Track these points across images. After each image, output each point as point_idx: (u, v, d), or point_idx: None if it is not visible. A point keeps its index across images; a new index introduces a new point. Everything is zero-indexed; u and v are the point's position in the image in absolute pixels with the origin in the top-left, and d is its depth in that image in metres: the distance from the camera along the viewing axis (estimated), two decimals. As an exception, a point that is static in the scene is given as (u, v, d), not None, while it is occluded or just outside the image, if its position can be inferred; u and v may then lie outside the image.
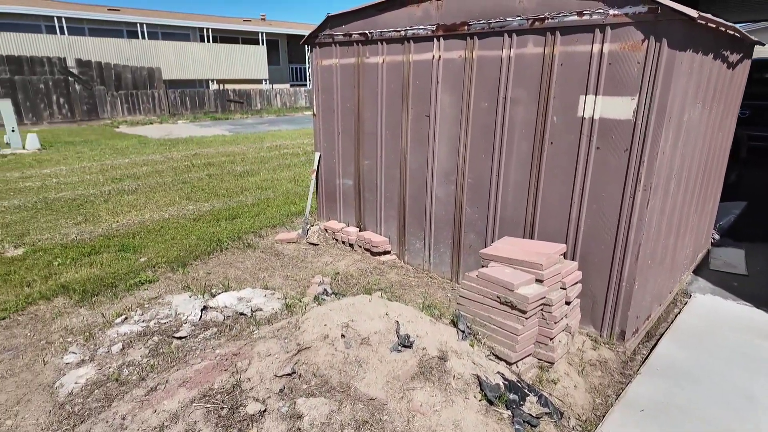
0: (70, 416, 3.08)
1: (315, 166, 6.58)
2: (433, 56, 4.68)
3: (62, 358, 3.74)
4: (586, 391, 3.44)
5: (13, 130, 13.52)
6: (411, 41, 4.85)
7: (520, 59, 4.06)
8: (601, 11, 3.49)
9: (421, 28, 4.69)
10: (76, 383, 3.41)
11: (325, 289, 4.74)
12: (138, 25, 25.13)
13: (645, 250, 3.78)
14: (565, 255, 3.94)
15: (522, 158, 4.24)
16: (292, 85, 33.02)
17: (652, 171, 3.52)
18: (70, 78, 20.85)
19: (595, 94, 3.66)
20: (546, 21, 3.79)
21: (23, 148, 13.56)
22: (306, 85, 33.80)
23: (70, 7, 24.04)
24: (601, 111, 3.66)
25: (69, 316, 4.40)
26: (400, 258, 5.77)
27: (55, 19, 22.46)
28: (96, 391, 3.31)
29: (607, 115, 3.63)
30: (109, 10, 25.55)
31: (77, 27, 23.53)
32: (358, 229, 6.22)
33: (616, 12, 3.42)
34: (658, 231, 3.97)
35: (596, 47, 3.58)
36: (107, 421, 2.89)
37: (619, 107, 3.55)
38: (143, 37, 25.15)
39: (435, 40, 4.62)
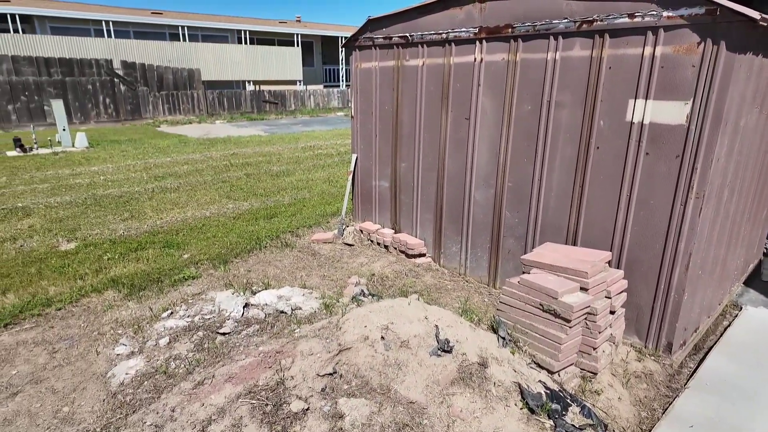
0: (123, 405, 3.23)
1: (352, 168, 6.64)
2: (475, 59, 4.65)
3: (113, 349, 3.92)
4: (631, 403, 3.34)
5: (64, 129, 14.23)
6: (452, 44, 4.83)
7: (566, 62, 3.98)
8: (654, 13, 3.39)
9: (463, 31, 4.67)
10: (126, 374, 3.56)
11: (362, 290, 4.78)
12: (179, 27, 25.99)
13: (695, 260, 3.65)
14: (609, 263, 3.84)
15: (566, 163, 4.16)
16: (325, 86, 33.43)
17: (706, 178, 3.38)
18: (115, 79, 21.77)
19: (646, 98, 3.55)
20: (594, 23, 3.71)
21: (73, 146, 14.25)
22: (339, 86, 34.13)
23: (117, 11, 25.11)
24: (651, 116, 3.55)
25: (119, 308, 4.60)
26: (435, 261, 5.76)
27: (103, 23, 23.50)
28: (146, 382, 3.45)
29: (658, 120, 3.52)
30: (152, 13, 26.54)
31: (123, 30, 24.55)
32: (394, 230, 6.24)
33: (670, 14, 3.31)
34: (709, 240, 3.82)
35: (648, 50, 3.47)
36: (157, 413, 3.01)
37: (671, 112, 3.44)
38: (184, 40, 26.00)
39: (477, 42, 4.59)
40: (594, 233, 4.08)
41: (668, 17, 3.33)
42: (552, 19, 3.98)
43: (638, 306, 3.89)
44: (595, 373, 3.39)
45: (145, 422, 2.95)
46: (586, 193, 4.06)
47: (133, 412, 3.12)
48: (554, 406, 2.98)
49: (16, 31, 21.07)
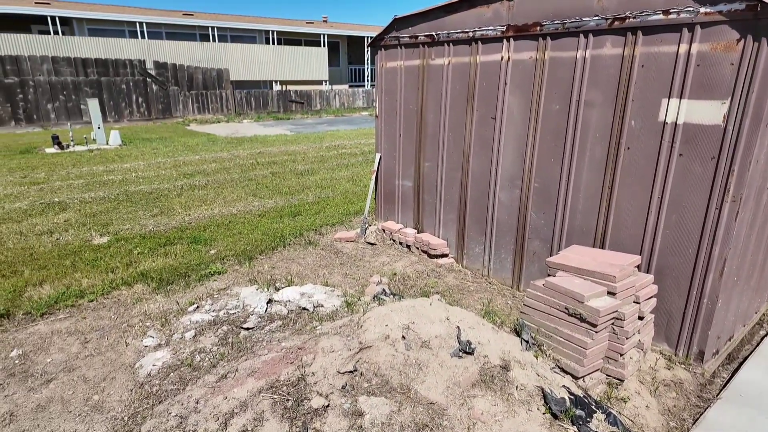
0: (149, 396, 3.31)
1: (375, 167, 6.65)
2: (502, 57, 4.59)
3: (141, 341, 4.03)
4: (659, 412, 3.24)
5: (99, 128, 14.73)
6: (479, 42, 4.78)
7: (597, 60, 3.88)
8: (691, 9, 3.27)
9: (491, 29, 4.61)
10: (153, 365, 3.65)
11: (383, 289, 4.78)
12: (209, 28, 26.58)
13: (730, 266, 3.50)
14: (639, 267, 3.73)
15: (595, 163, 4.06)
16: (350, 86, 33.61)
17: (743, 181, 3.25)
18: (148, 79, 22.42)
19: (680, 98, 3.43)
20: (627, 20, 3.60)
21: (107, 143, 14.74)
22: (364, 85, 34.26)
23: (150, 13, 25.83)
24: (686, 115, 3.43)
25: (147, 302, 4.73)
26: (458, 262, 5.71)
27: (137, 24, 24.24)
28: (171, 374, 3.54)
29: (693, 120, 3.40)
30: (184, 14, 27.21)
31: (156, 31, 25.27)
32: (416, 230, 6.22)
33: (708, 10, 3.19)
34: (745, 246, 3.67)
35: (683, 48, 3.35)
36: (182, 404, 3.08)
37: (707, 112, 3.31)
38: (214, 40, 26.57)
39: (504, 41, 4.53)
40: (623, 236, 3.97)
41: (705, 13, 3.21)
42: (582, 17, 3.89)
43: (668, 312, 3.76)
44: (622, 380, 3.30)
45: (170, 413, 3.02)
46: (615, 195, 3.95)
47: (159, 402, 3.21)
48: (578, 412, 2.91)
49: (56, 32, 21.95)
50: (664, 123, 3.56)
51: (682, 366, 3.69)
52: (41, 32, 22.29)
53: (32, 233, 6.69)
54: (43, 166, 11.33)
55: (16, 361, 3.75)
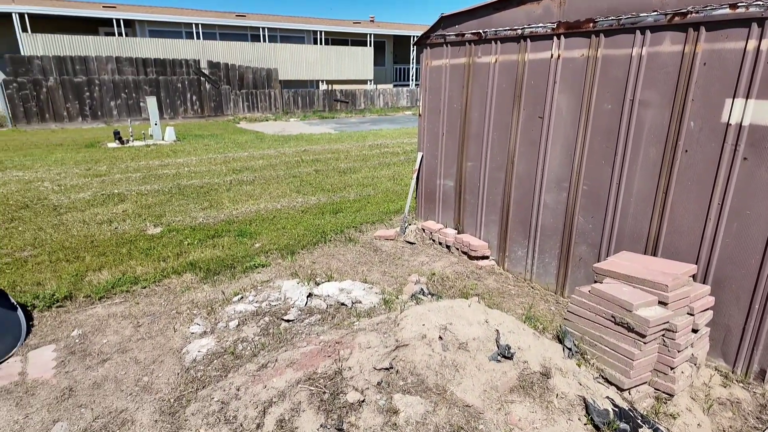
0: (194, 381, 3.46)
1: (417, 166, 6.63)
2: (552, 55, 4.45)
3: (188, 327, 4.21)
4: (712, 432, 3.04)
5: (156, 124, 15.54)
6: (527, 40, 4.66)
7: (654, 58, 3.69)
8: (761, 3, 3.04)
9: (540, 26, 4.49)
10: (199, 352, 3.81)
11: (421, 289, 4.76)
12: (260, 29, 27.40)
13: (799, 280, 3.24)
14: (694, 277, 3.52)
15: (649, 166, 3.86)
16: (395, 86, 33.67)
17: (817, 188, 2.99)
18: (201, 78, 23.40)
19: (746, 98, 3.21)
20: (689, 15, 3.40)
21: (162, 139, 15.52)
22: (408, 85, 34.22)
23: (205, 15, 26.95)
24: (752, 117, 3.20)
25: (195, 290, 4.94)
26: (499, 264, 5.60)
27: (193, 25, 25.35)
28: (215, 361, 3.68)
29: (761, 122, 3.16)
30: (237, 16, 28.17)
31: (210, 32, 26.33)
32: (456, 231, 6.15)
33: (781, 3, 2.96)
34: (818, 259, 3.37)
35: (751, 44, 3.13)
36: (224, 390, 3.20)
37: (777, 113, 3.08)
38: (264, 41, 27.36)
39: (555, 38, 4.39)
40: (677, 243, 3.75)
41: (779, 7, 2.98)
42: (639, 12, 3.71)
43: (726, 326, 3.53)
44: (672, 395, 3.12)
45: (212, 398, 3.14)
46: (670, 200, 3.75)
47: (203, 387, 3.34)
48: (622, 425, 2.78)
49: (120, 34, 23.33)
50: (728, 124, 3.34)
51: (740, 384, 3.45)
52: (107, 34, 23.77)
53: (94, 222, 7.14)
54: (105, 160, 12.07)
55: (77, 341, 4.02)
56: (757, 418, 3.20)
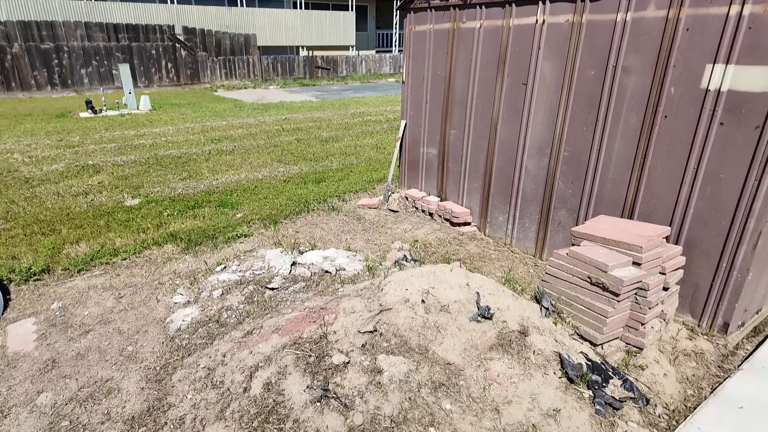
0: (179, 349, 3.49)
1: (400, 134, 6.58)
2: (537, 21, 4.40)
3: (172, 298, 4.21)
4: (677, 380, 3.22)
5: (130, 93, 14.99)
6: (513, 5, 4.58)
7: (638, 23, 3.68)
8: (742, -37, 3.03)
9: (523, -11, 4.41)
10: (183, 321, 3.82)
11: (405, 255, 4.82)
12: (236, -8, 26.30)
13: (765, 240, 3.37)
14: (668, 238, 3.63)
15: (629, 132, 3.91)
16: (377, 52, 32.95)
17: (787, 151, 3.08)
18: (177, 44, 22.51)
19: (726, 63, 3.24)
20: (671, -23, 3.38)
21: (137, 108, 15.02)
22: (391, 51, 33.53)
23: (178, -23, 25.67)
24: (731, 82, 3.24)
25: (177, 261, 4.91)
26: (480, 230, 5.68)
27: (165, -12, 24.16)
28: (200, 329, 3.70)
29: (739, 87, 3.21)
30: (211, -22, 26.91)
31: (184, -4, 25.16)
32: (439, 198, 6.19)
33: (761, -36, 2.96)
34: (784, 220, 3.51)
35: (734, 9, 3.14)
36: (210, 357, 3.23)
37: (755, 78, 3.12)
38: (242, 5, 26.30)
39: (540, 3, 4.33)
40: (653, 207, 3.85)
41: (759, -32, 2.98)
42: (623, -26, 3.67)
43: (695, 284, 3.68)
44: (642, 348, 3.28)
45: (198, 365, 3.18)
46: (648, 165, 3.82)
47: (189, 355, 3.37)
48: (594, 377, 2.92)
49: (87, -3, 22.13)
50: (707, 90, 3.38)
51: (705, 337, 3.63)
52: (73, -3, 22.51)
53: (68, 194, 6.97)
54: (77, 130, 11.67)
55: (57, 313, 3.98)
56: (719, 366, 3.39)
